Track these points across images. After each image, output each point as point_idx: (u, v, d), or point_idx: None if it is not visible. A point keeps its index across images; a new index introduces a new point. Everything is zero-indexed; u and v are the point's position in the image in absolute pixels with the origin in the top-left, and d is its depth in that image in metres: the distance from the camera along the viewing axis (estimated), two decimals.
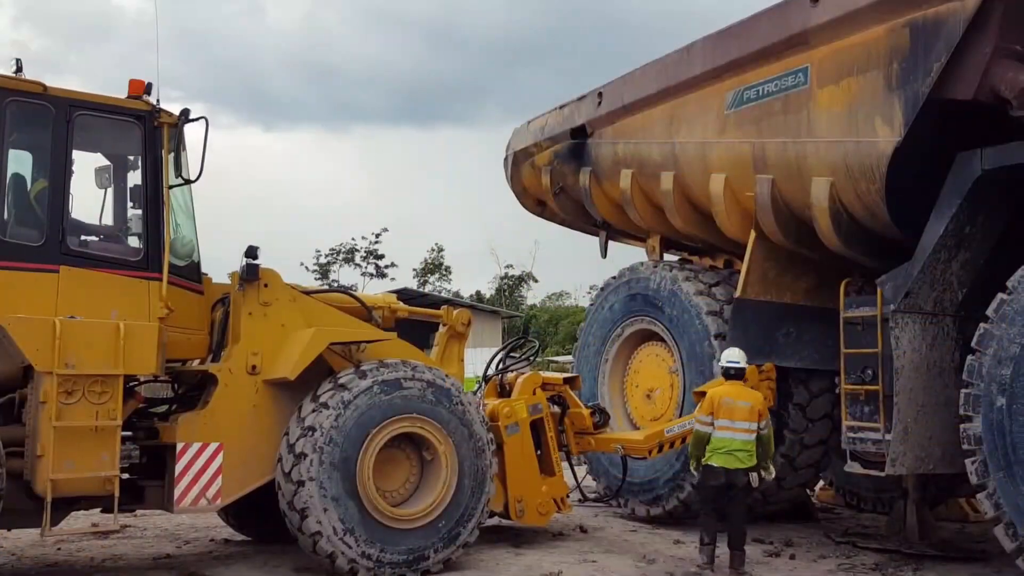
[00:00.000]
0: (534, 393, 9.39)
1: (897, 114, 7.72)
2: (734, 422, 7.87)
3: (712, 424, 7.94)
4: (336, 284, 52.47)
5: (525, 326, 50.36)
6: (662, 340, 10.84)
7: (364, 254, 60.60)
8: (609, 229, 12.72)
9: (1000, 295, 6.96)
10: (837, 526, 10.61)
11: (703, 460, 8.00)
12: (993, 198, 7.61)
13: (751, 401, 8.03)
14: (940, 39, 7.39)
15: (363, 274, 60.64)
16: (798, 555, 8.74)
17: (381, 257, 60.78)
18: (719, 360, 8.71)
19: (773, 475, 8.21)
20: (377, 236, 60.25)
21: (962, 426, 7.11)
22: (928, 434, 7.83)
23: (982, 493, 6.96)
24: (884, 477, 8.29)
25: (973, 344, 7.12)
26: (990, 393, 6.89)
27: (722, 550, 7.94)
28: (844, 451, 8.62)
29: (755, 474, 7.96)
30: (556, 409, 9.67)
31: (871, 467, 8.43)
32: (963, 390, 7.13)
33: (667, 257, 12.02)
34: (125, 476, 7.35)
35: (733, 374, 8.19)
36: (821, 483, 12.33)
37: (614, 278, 11.60)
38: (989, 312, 7.01)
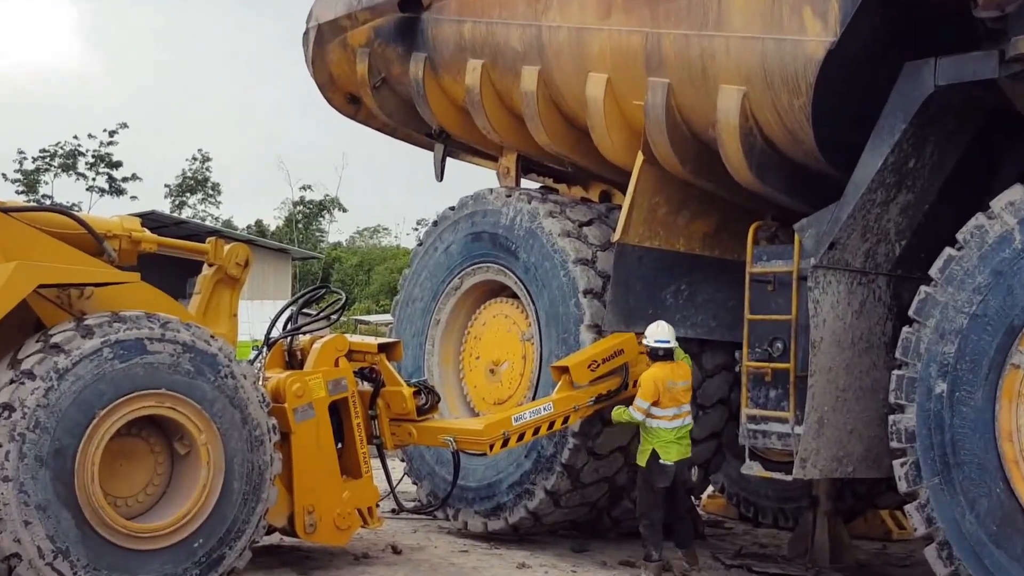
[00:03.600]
0: (336, 364, 9.34)
1: (833, 7, 7.99)
2: (680, 407, 9.05)
3: (649, 412, 8.94)
4: (50, 201, 50.16)
5: (326, 272, 49.98)
6: (514, 296, 10.98)
7: (92, 160, 58.26)
8: (448, 141, 12.74)
9: (948, 250, 7.37)
10: (728, 544, 11.16)
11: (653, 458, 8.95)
12: (946, 124, 8.04)
13: (688, 378, 9.27)
14: None
15: (90, 188, 58.44)
16: None
17: (117, 166, 58.75)
18: (644, 338, 9.18)
19: None
20: (112, 135, 58.06)
21: (891, 417, 7.55)
22: (848, 427, 8.29)
23: (912, 504, 7.41)
24: (791, 482, 8.74)
25: (911, 313, 7.54)
26: (928, 376, 7.32)
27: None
28: (742, 448, 9.04)
29: (696, 468, 9.26)
30: (367, 387, 9.65)
31: (775, 469, 8.87)
32: (895, 371, 7.56)
33: (525, 184, 12.12)
34: None
35: (662, 355, 9.10)
36: (710, 489, 12.92)
37: (452, 209, 11.64)
38: (933, 272, 7.42)
